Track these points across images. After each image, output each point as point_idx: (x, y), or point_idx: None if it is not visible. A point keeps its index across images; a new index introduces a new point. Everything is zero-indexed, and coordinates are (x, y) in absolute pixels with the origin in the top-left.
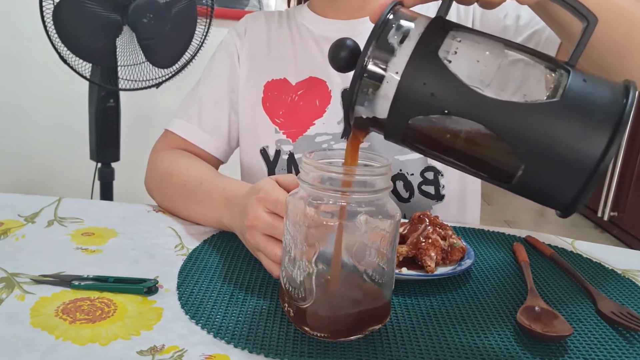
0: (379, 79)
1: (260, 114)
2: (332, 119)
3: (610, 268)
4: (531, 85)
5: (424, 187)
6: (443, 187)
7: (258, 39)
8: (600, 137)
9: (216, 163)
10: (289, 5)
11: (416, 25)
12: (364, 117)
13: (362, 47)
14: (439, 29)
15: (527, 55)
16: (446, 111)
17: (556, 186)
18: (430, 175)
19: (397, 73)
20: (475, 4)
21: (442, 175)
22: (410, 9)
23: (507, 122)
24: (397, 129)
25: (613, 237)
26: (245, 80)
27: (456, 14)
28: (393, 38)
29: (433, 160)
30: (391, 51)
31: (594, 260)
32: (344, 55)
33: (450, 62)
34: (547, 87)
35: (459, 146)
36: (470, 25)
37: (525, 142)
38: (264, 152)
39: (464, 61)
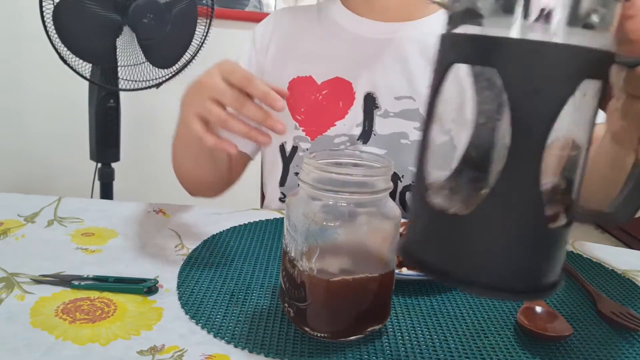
0: None
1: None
2: (352, 120)
3: (610, 268)
4: None
5: None
6: None
7: (286, 35)
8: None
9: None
10: None
11: None
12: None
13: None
14: None
15: None
16: None
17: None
18: None
19: None
20: None
21: None
22: None
23: None
24: None
25: (613, 237)
26: (269, 77)
27: None
28: None
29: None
30: None
31: (594, 260)
32: None
33: None
34: None
35: None
36: None
37: None
38: (282, 148)
39: None
